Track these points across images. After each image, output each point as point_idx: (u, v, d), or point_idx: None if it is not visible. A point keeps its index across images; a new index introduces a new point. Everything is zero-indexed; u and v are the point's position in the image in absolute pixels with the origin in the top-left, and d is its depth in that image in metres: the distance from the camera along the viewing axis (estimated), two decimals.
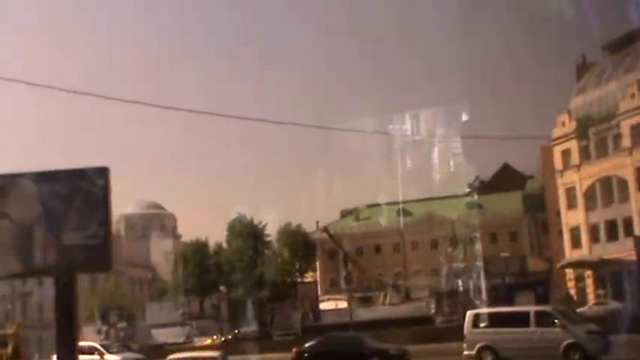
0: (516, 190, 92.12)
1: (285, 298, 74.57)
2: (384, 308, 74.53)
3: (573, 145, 70.80)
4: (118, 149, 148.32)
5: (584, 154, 69.93)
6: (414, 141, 70.27)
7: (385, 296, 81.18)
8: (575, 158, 70.69)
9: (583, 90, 71.80)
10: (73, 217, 21.78)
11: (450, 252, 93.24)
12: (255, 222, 79.27)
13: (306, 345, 29.95)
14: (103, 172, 21.98)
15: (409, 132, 69.06)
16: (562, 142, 72.05)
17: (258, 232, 78.67)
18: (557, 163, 72.80)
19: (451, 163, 79.10)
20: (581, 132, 69.27)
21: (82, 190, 21.77)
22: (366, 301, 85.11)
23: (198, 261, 76.26)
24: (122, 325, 76.53)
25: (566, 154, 71.96)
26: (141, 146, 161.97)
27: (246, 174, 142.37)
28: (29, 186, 21.70)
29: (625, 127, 65.35)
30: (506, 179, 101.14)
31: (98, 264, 24.00)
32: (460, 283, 71.75)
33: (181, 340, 67.98)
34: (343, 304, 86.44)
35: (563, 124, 72.07)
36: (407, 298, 78.37)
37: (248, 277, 74.71)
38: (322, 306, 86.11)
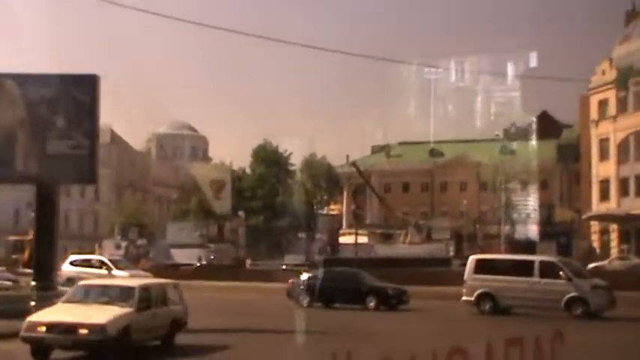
0: (553, 139, 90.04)
1: (305, 229, 74.17)
2: (403, 247, 74.17)
3: (611, 95, 68.54)
4: (155, 66, 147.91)
5: (622, 106, 67.70)
6: (455, 83, 68.27)
7: (406, 235, 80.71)
8: (612, 109, 68.52)
9: (628, 38, 69.15)
10: (58, 125, 20.95)
11: (477, 196, 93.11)
12: (281, 150, 78.41)
13: (303, 277, 29.24)
14: (92, 80, 21.07)
15: (452, 73, 67.54)
16: (600, 91, 69.81)
17: (283, 161, 77.84)
18: (593, 112, 70.69)
19: (490, 108, 77.18)
20: (620, 82, 66.95)
21: (69, 97, 20.88)
22: (388, 238, 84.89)
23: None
24: (142, 242, 76.89)
25: (603, 103, 69.77)
26: (178, 65, 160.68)
27: (282, 101, 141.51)
28: (13, 87, 20.88)
29: None
30: (543, 127, 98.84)
31: (82, 176, 23.36)
32: (479, 227, 70.29)
33: (196, 262, 68.16)
34: (364, 239, 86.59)
35: (603, 72, 69.69)
36: (428, 238, 77.82)
37: (268, 204, 74.26)
38: (343, 240, 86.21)
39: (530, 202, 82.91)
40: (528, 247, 69.21)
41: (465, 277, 26.32)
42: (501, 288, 25.60)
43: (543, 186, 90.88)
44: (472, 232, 77.41)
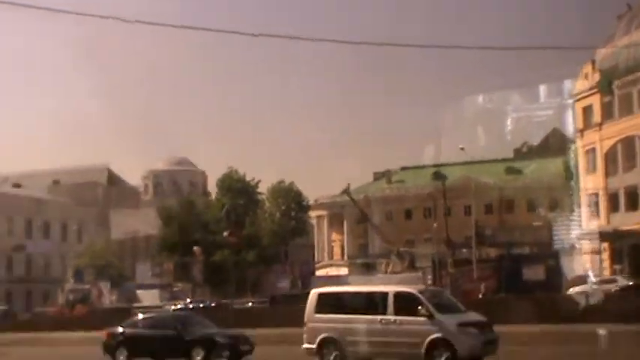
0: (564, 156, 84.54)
1: (274, 261, 68.69)
2: (381, 277, 69.20)
3: (596, 100, 62.34)
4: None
5: (608, 112, 61.41)
6: (462, 102, 63.40)
7: (388, 264, 75.93)
8: (596, 116, 62.28)
9: (611, 39, 62.95)
10: None
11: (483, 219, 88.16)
12: (249, 178, 73.00)
13: (120, 327, 23.62)
14: None
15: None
16: (584, 97, 63.64)
17: (250, 189, 72.37)
18: (578, 120, 64.48)
19: (501, 126, 71.47)
20: (604, 85, 60.80)
21: None
22: (370, 269, 79.76)
23: (182, 219, 70.61)
24: (105, 284, 72.15)
25: (587, 110, 63.55)
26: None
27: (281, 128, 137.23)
28: None
29: None
30: (553, 144, 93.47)
31: None
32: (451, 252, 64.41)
33: (159, 303, 63.40)
34: (344, 271, 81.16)
35: (586, 76, 63.49)
36: (411, 266, 72.43)
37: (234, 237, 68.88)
38: (322, 272, 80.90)
39: (535, 222, 76.81)
40: (512, 272, 63.24)
41: (306, 317, 20.52)
42: (348, 331, 19.78)
43: (554, 205, 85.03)
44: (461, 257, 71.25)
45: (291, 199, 74.56)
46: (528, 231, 73.43)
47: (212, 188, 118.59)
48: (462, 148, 63.94)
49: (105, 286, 71.55)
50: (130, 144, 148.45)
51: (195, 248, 62.29)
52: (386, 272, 74.32)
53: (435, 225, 76.60)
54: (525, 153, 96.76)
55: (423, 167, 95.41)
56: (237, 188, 71.71)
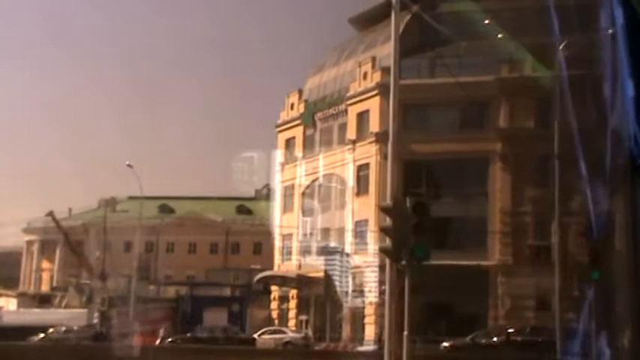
0: None
1: None
2: (39, 311, 61.65)
3: (298, 132, 57.13)
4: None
5: (309, 146, 56.26)
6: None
7: (63, 297, 68.63)
8: (298, 149, 56.99)
9: (321, 69, 58.37)
10: None
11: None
12: None
13: None
14: None
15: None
16: (287, 129, 58.28)
17: None
18: (280, 154, 58.91)
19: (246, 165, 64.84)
20: (306, 118, 55.88)
21: None
22: (44, 302, 72.03)
23: None
24: None
25: (290, 143, 58.20)
26: None
27: None
28: None
29: (352, 114, 52.04)
30: None
31: None
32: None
33: None
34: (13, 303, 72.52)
35: (292, 106, 58.30)
36: (89, 301, 64.89)
37: None
38: None
39: (253, 265, 71.02)
40: (194, 315, 56.81)
41: None
42: None
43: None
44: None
45: None
46: (246, 274, 67.72)
47: None
48: (130, 165, 56.02)
49: None
50: None
51: None
52: (60, 306, 67.08)
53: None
54: (266, 195, 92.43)
55: (153, 198, 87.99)
56: None
